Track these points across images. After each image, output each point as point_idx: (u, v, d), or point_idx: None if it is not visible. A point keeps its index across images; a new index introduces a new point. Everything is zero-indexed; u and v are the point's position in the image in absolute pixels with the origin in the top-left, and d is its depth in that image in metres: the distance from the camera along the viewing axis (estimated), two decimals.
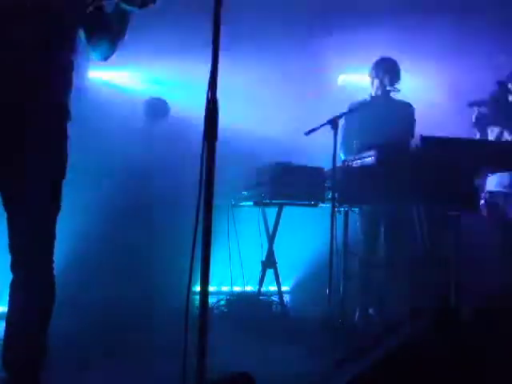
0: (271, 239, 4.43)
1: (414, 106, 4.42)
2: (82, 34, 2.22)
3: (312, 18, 5.09)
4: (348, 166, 4.17)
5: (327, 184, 4.18)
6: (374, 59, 4.39)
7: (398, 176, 3.93)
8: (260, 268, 4.45)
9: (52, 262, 2.12)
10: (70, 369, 2.78)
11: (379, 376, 2.01)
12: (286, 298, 5.20)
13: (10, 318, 2.09)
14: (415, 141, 4.05)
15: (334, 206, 3.80)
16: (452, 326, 2.03)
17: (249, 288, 5.04)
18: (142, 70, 5.55)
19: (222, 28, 1.85)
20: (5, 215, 2.08)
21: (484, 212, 4.21)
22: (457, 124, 4.48)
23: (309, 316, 4.22)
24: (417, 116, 4.40)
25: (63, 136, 2.14)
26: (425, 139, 3.54)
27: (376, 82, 4.33)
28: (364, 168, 4.05)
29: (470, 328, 2.21)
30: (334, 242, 3.75)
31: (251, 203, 4.39)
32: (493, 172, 4.11)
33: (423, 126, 4.24)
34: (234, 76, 4.40)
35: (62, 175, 2.12)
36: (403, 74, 4.36)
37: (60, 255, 2.20)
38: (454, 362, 1.97)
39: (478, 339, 2.16)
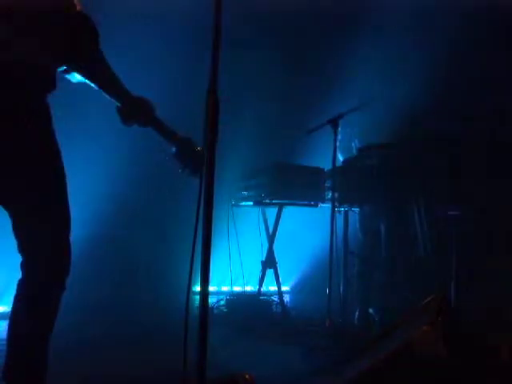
0: (271, 239, 4.43)
1: None
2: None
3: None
4: (348, 166, 4.18)
5: (327, 184, 4.18)
6: None
7: (398, 176, 3.94)
8: (260, 268, 4.45)
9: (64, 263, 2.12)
10: (69, 368, 2.77)
11: (379, 376, 2.01)
12: (286, 298, 5.20)
13: (14, 316, 2.08)
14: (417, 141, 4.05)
15: (334, 206, 3.80)
16: (452, 326, 2.03)
17: (249, 288, 5.05)
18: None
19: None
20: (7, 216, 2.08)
21: None
22: None
23: (309, 316, 4.22)
24: None
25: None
26: (425, 140, 3.55)
27: None
28: (364, 168, 4.06)
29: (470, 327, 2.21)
30: (334, 242, 3.75)
31: (251, 203, 4.39)
32: None
33: None
34: (234, 74, 4.42)
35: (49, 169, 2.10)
36: None
37: None
38: (454, 362, 1.97)
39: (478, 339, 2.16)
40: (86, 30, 2.02)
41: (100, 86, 2.10)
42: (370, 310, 4.12)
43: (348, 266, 4.10)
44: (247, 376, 1.98)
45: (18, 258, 2.09)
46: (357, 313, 4.12)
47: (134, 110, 2.16)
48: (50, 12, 1.94)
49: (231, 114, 2.51)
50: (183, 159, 2.13)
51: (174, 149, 2.16)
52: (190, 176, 2.12)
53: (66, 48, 2.01)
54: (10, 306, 2.09)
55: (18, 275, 2.09)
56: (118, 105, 2.17)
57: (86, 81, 2.11)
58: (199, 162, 2.01)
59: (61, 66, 2.09)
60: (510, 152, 4.22)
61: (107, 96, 2.14)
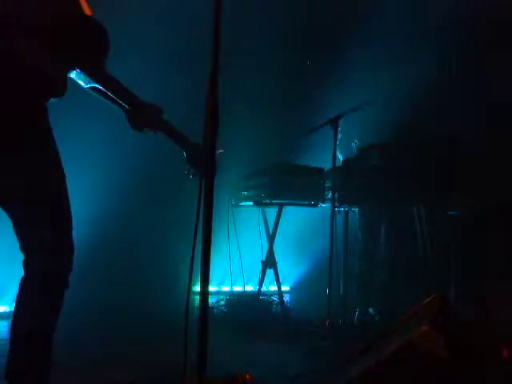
0: (271, 239, 4.43)
1: None
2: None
3: None
4: (348, 166, 4.18)
5: (327, 184, 4.18)
6: None
7: (398, 176, 3.94)
8: (260, 268, 4.45)
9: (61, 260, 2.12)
10: (70, 368, 2.77)
11: (379, 376, 2.01)
12: (286, 298, 5.20)
13: (16, 315, 2.08)
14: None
15: (334, 206, 3.80)
16: (452, 326, 2.03)
17: (249, 288, 5.05)
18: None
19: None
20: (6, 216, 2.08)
21: None
22: None
23: (309, 316, 4.22)
24: None
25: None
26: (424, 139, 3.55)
27: None
28: (364, 168, 4.06)
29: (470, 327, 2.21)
30: (334, 242, 3.75)
31: (251, 203, 4.39)
32: None
33: None
34: (234, 73, 4.42)
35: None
36: None
37: None
38: (454, 362, 1.97)
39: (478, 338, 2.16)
40: (105, 41, 2.09)
41: (113, 91, 2.16)
42: (370, 310, 4.12)
43: (348, 266, 4.10)
44: (247, 376, 1.98)
45: (19, 258, 2.10)
46: (357, 313, 4.12)
47: (145, 116, 2.20)
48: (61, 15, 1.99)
49: (231, 114, 2.51)
50: (193, 164, 2.22)
51: (185, 154, 2.23)
52: (194, 178, 2.21)
53: (85, 52, 2.07)
54: (11, 305, 2.09)
55: (20, 274, 2.09)
56: (128, 112, 2.20)
57: (98, 85, 2.16)
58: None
59: (73, 68, 2.14)
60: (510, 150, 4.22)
61: (118, 102, 2.19)
